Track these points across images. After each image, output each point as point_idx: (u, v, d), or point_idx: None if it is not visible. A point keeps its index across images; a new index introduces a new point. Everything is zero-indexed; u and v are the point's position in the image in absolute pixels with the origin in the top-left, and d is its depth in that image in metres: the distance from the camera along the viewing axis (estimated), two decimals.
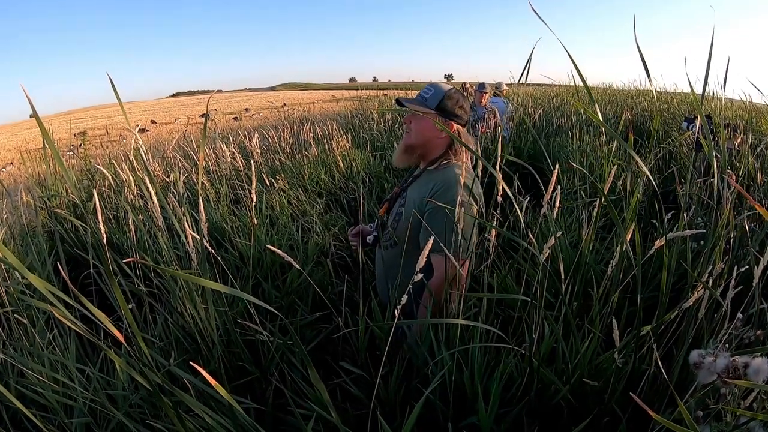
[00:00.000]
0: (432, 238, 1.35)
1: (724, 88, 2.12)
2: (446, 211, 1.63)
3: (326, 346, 1.98)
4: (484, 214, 1.77)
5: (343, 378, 1.64)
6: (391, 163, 4.81)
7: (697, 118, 4.69)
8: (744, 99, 6.02)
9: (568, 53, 1.25)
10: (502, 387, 1.42)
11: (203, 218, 1.63)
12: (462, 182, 1.52)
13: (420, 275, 1.17)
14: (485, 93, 5.95)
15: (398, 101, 1.91)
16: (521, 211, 1.60)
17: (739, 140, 3.46)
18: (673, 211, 2.16)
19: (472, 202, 1.67)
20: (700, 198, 2.40)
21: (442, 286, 1.67)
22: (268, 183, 3.80)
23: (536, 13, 1.18)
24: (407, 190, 1.94)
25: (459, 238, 1.53)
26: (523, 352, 1.43)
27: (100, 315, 1.05)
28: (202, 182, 3.64)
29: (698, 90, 1.50)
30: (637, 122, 6.79)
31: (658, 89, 8.99)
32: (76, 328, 1.12)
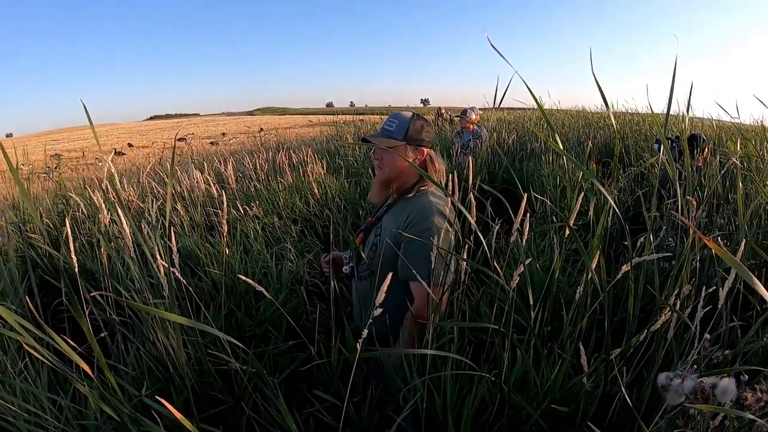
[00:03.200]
0: (412, 266, 1.36)
1: (688, 110, 2.19)
2: (423, 240, 1.65)
3: (301, 374, 1.97)
4: (459, 239, 1.78)
5: (317, 406, 1.63)
6: (366, 190, 4.84)
7: (667, 140, 4.80)
8: (712, 118, 6.20)
9: (527, 86, 1.29)
10: (475, 413, 1.43)
11: (175, 248, 1.63)
12: (436, 209, 1.55)
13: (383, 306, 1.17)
14: (467, 119, 5.85)
15: (364, 139, 1.92)
16: (486, 239, 1.62)
17: (702, 158, 3.53)
18: (644, 234, 2.20)
19: (449, 228, 1.69)
20: (670, 219, 2.44)
21: (424, 314, 1.67)
22: (242, 210, 3.79)
23: (496, 50, 1.21)
24: (382, 220, 1.95)
25: (439, 266, 1.54)
26: (493, 378, 1.44)
27: (67, 349, 1.04)
28: (177, 209, 3.62)
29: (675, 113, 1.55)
30: (609, 144, 6.91)
31: (630, 111, 9.18)
32: (45, 360, 1.11)
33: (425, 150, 1.89)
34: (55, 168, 5.60)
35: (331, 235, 2.14)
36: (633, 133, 7.21)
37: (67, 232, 1.67)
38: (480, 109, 6.80)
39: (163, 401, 1.02)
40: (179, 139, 22.24)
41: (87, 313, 1.59)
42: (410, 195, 1.87)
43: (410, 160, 1.76)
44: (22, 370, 1.71)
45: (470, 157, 2.06)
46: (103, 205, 2.16)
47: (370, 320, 1.12)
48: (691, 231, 1.54)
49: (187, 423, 1.01)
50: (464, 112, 5.93)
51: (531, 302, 1.43)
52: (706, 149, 3.63)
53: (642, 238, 1.96)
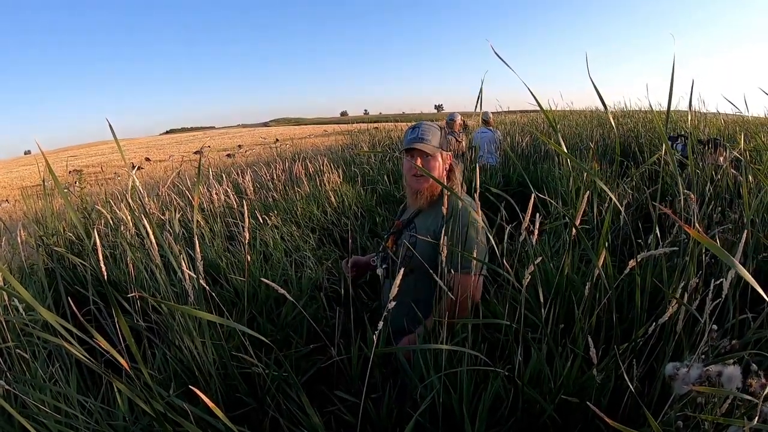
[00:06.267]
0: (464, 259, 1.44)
1: (690, 105, 2.20)
2: (469, 232, 1.76)
3: (322, 377, 2.02)
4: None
5: (338, 406, 1.68)
6: (383, 197, 4.90)
7: (678, 137, 4.79)
8: (720, 113, 6.17)
9: (531, 91, 1.33)
10: (490, 408, 1.47)
11: (199, 256, 1.69)
12: (471, 206, 1.63)
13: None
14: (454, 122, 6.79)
15: (410, 148, 1.97)
16: (501, 241, 1.66)
17: (722, 157, 3.52)
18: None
19: (481, 224, 1.77)
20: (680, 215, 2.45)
21: (468, 304, 1.79)
22: (261, 220, 3.85)
23: (498, 56, 1.26)
24: (415, 222, 2.04)
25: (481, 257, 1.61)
26: (507, 374, 1.48)
27: (108, 347, 1.11)
28: (197, 220, 3.70)
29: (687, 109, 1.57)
30: (624, 143, 6.87)
31: (643, 109, 9.13)
32: (85, 360, 1.17)
33: (449, 156, 2.02)
34: (76, 183, 5.72)
35: (350, 242, 2.19)
36: (647, 132, 7.16)
37: (95, 240, 1.74)
38: (493, 113, 7.03)
39: (198, 392, 1.07)
40: (196, 152, 22.45)
41: (116, 319, 1.66)
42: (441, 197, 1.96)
43: (444, 167, 1.96)
44: (53, 375, 1.78)
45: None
46: (129, 217, 2.24)
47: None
48: (696, 224, 1.56)
49: (220, 413, 1.06)
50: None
51: (542, 299, 1.47)
52: (726, 151, 3.62)
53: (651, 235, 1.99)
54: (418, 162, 1.96)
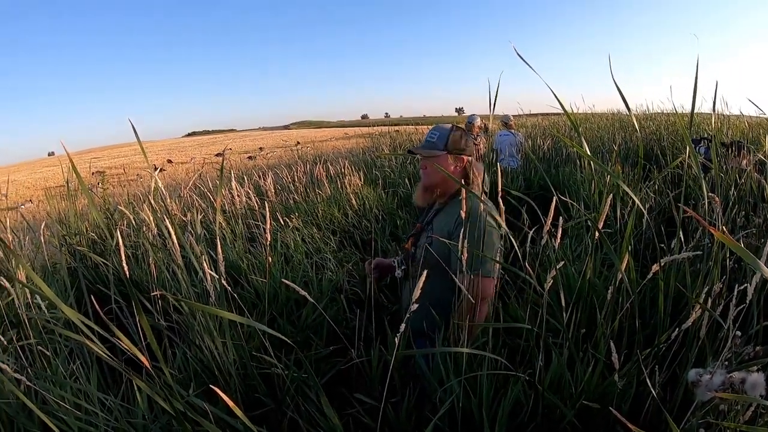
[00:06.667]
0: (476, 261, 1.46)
1: (714, 107, 2.18)
2: (481, 234, 1.75)
3: (341, 380, 2.03)
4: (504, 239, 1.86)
5: (357, 408, 1.68)
6: (404, 200, 4.90)
7: (701, 140, 4.73)
8: (743, 115, 6.05)
9: (555, 95, 1.32)
10: (509, 412, 1.46)
11: (221, 257, 1.71)
12: (485, 209, 1.63)
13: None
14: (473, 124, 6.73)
15: (410, 151, 2.13)
16: (522, 244, 1.65)
17: (745, 160, 3.47)
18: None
19: (495, 226, 1.77)
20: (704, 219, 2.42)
21: (486, 306, 1.80)
22: (282, 221, 3.87)
23: (523, 60, 1.25)
24: (432, 222, 2.06)
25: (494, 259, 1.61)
26: (528, 378, 1.47)
27: (130, 345, 1.12)
28: (219, 221, 3.75)
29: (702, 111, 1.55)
30: (646, 146, 6.78)
31: (665, 111, 9.02)
32: (106, 357, 1.19)
33: (465, 158, 2.02)
34: (99, 184, 5.81)
35: (372, 244, 2.20)
36: (669, 134, 7.07)
37: (118, 240, 1.77)
38: (513, 115, 7.00)
39: (218, 391, 1.08)
40: (217, 155, 22.63)
41: (137, 318, 1.68)
42: (460, 198, 1.97)
43: (451, 168, 1.94)
44: (73, 372, 1.81)
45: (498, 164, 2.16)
46: (151, 218, 2.27)
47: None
48: (718, 228, 1.54)
49: (239, 412, 1.07)
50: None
51: (563, 303, 1.46)
52: (750, 154, 3.57)
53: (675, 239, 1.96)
54: (423, 162, 2.06)
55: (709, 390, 1.03)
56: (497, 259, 1.77)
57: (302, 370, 1.83)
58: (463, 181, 2.01)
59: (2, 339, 1.93)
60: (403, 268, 2.12)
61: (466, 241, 1.73)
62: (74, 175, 1.23)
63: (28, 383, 1.50)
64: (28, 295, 2.04)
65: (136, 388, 1.56)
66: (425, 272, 1.25)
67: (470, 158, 2.05)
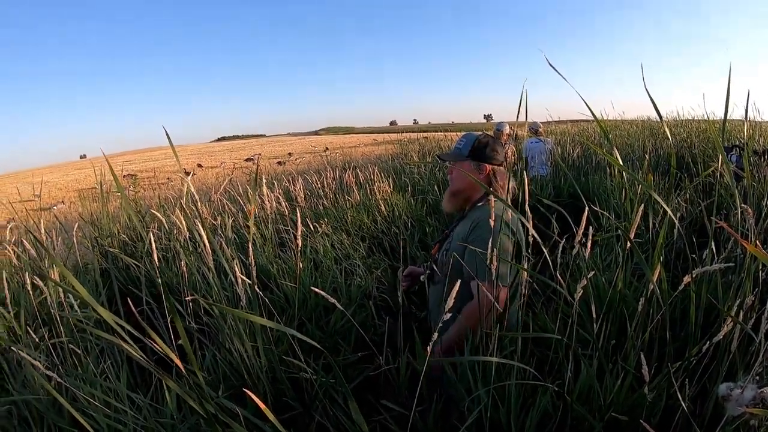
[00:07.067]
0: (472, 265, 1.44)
1: (746, 116, 2.13)
2: (481, 243, 1.73)
3: (369, 386, 2.03)
4: (522, 246, 1.87)
5: (384, 415, 1.69)
6: (433, 207, 4.91)
7: (733, 147, 4.64)
8: None
9: (586, 102, 1.32)
10: (537, 423, 1.45)
11: (252, 261, 1.74)
12: (496, 216, 1.64)
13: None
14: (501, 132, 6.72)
15: (439, 156, 2.25)
16: (551, 253, 1.65)
17: None
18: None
19: (507, 233, 1.81)
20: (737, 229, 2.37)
21: (476, 311, 1.77)
22: (312, 227, 3.89)
23: (554, 69, 1.26)
24: (454, 230, 2.11)
25: (495, 268, 1.60)
26: (556, 389, 1.46)
27: (164, 347, 1.15)
28: (249, 226, 3.80)
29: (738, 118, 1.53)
30: (677, 154, 6.65)
31: (696, 118, 8.87)
32: (138, 357, 1.22)
33: (488, 166, 2.06)
34: (130, 187, 5.92)
35: (401, 250, 2.21)
36: (700, 142, 6.94)
37: (150, 242, 1.81)
38: (542, 122, 6.95)
39: (250, 393, 1.10)
40: (247, 159, 22.89)
41: (170, 320, 1.71)
42: (480, 204, 2.02)
43: (473, 175, 1.90)
44: (104, 371, 1.85)
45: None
46: (183, 221, 2.31)
47: (441, 323, 1.19)
48: (750, 240, 1.51)
49: (270, 414, 1.09)
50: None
51: (594, 315, 1.45)
52: None
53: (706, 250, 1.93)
54: (449, 168, 2.17)
55: (740, 405, 1.02)
56: (507, 266, 1.78)
57: (330, 374, 1.85)
58: (491, 188, 2.03)
59: (34, 336, 1.99)
60: (428, 272, 2.14)
61: (470, 246, 1.75)
62: (107, 177, 1.26)
63: (59, 380, 1.54)
64: (61, 294, 2.10)
65: (165, 388, 1.59)
66: (458, 282, 1.25)
67: (493, 167, 2.08)
